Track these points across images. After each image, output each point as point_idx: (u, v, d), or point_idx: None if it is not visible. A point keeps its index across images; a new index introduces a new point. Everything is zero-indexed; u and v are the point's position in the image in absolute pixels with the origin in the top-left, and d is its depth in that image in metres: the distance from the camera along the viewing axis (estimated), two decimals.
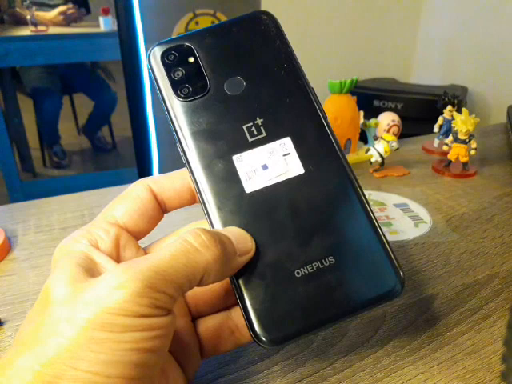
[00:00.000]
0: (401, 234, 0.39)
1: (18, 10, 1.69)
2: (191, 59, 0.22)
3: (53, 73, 1.76)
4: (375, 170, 0.52)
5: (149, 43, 1.13)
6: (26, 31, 1.57)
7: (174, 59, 0.22)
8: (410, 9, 1.71)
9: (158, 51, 0.23)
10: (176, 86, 0.22)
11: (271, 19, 0.23)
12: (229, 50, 0.23)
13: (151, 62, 0.22)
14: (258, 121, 0.21)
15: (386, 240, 0.20)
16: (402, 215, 0.43)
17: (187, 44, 0.23)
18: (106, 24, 1.64)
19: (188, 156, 0.21)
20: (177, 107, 0.22)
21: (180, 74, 0.22)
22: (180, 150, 0.21)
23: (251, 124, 0.21)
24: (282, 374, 0.25)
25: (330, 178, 0.21)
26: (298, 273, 0.19)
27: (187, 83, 0.22)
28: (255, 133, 0.21)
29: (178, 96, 0.22)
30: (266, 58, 0.22)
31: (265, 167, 0.21)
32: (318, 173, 0.21)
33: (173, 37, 0.23)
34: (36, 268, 0.35)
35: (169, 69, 0.22)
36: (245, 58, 0.22)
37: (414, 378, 0.24)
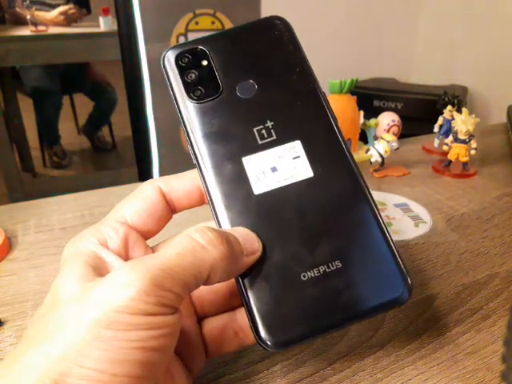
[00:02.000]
0: (401, 234, 0.39)
1: (18, 9, 1.69)
2: (204, 62, 0.23)
3: (53, 73, 1.76)
4: (375, 170, 0.52)
5: (149, 43, 1.13)
6: (26, 31, 1.57)
7: (187, 62, 0.23)
8: (410, 9, 1.71)
9: (171, 54, 0.23)
10: (189, 88, 0.22)
11: (284, 24, 0.23)
12: (241, 54, 0.23)
13: (165, 64, 0.23)
14: (269, 124, 0.21)
15: (395, 245, 0.20)
16: (402, 215, 0.43)
17: (201, 47, 0.23)
18: (105, 24, 1.64)
19: (198, 156, 0.21)
20: (189, 109, 0.22)
21: (193, 76, 0.22)
22: (191, 150, 0.22)
23: (262, 127, 0.21)
24: (282, 373, 0.25)
25: (339, 182, 0.21)
26: (305, 276, 0.19)
27: (200, 85, 0.22)
28: (265, 135, 0.21)
29: (191, 98, 0.22)
30: (278, 63, 0.23)
31: (274, 169, 0.21)
32: (327, 176, 0.21)
33: (177, 42, 0.23)
34: (36, 268, 0.35)
35: (182, 71, 0.22)
36: (257, 61, 0.23)
37: (413, 377, 0.24)
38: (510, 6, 1.40)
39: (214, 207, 0.21)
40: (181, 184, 0.22)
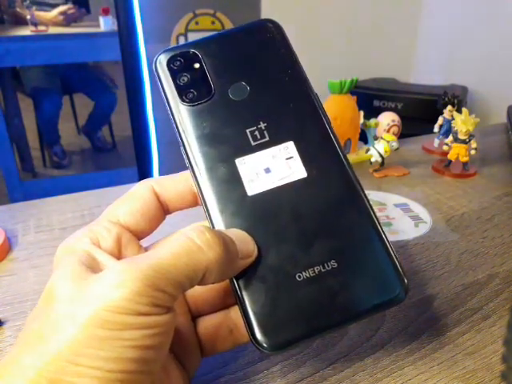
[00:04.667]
0: (401, 234, 0.39)
1: (18, 9, 1.69)
2: (196, 65, 0.23)
3: (53, 73, 1.76)
4: (375, 170, 0.52)
5: (149, 43, 1.13)
6: (26, 31, 1.57)
7: (179, 65, 0.23)
8: (410, 9, 1.71)
9: (164, 57, 0.23)
10: (181, 91, 0.22)
11: (276, 27, 0.23)
12: (234, 57, 0.23)
13: (157, 67, 0.23)
14: (262, 125, 0.21)
15: (390, 245, 0.20)
16: (402, 215, 0.43)
17: (193, 50, 0.23)
18: (106, 24, 1.64)
19: (191, 159, 0.21)
20: (181, 111, 0.22)
21: (185, 79, 0.22)
22: (183, 153, 0.21)
23: (254, 128, 0.21)
24: (281, 374, 0.25)
25: (332, 181, 0.21)
26: (300, 276, 0.19)
27: (192, 88, 0.22)
28: (258, 137, 0.21)
29: (183, 100, 0.22)
30: (270, 65, 0.23)
31: (267, 170, 0.21)
32: (320, 176, 0.21)
33: (177, 42, 0.23)
34: (36, 268, 0.35)
35: (174, 74, 0.23)
36: (249, 64, 0.23)
37: (413, 377, 0.24)
38: (510, 5, 1.40)
39: (207, 209, 0.21)
40: (174, 185, 0.22)
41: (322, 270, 0.19)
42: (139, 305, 0.15)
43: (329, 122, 0.22)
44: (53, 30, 1.62)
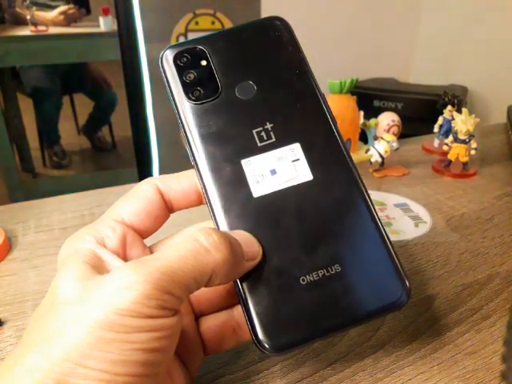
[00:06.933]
0: (401, 234, 0.39)
1: (17, 10, 1.69)
2: (203, 62, 0.22)
3: (53, 73, 1.76)
4: (375, 170, 0.52)
5: (149, 43, 1.13)
6: (26, 31, 1.57)
7: (186, 62, 0.22)
8: (410, 8, 1.71)
9: (170, 53, 0.22)
10: (187, 89, 0.22)
11: (284, 25, 0.23)
12: (241, 55, 0.23)
13: (163, 63, 0.22)
14: (268, 126, 0.21)
15: (394, 249, 0.20)
16: (402, 215, 0.43)
17: (200, 47, 0.23)
18: (106, 24, 1.64)
19: (196, 158, 0.21)
20: (187, 109, 0.22)
21: (192, 76, 0.22)
22: (189, 151, 0.21)
23: (261, 129, 0.21)
24: (281, 373, 0.25)
25: (338, 185, 0.21)
26: (304, 280, 0.19)
27: (199, 86, 0.22)
28: (265, 137, 0.21)
29: (189, 98, 0.22)
30: (277, 64, 0.22)
31: (273, 172, 0.21)
32: (326, 180, 0.21)
33: (183, 40, 0.23)
34: (36, 268, 0.35)
35: (181, 71, 0.22)
36: (257, 62, 0.22)
37: (413, 377, 0.24)
38: (510, 5, 1.40)
39: (212, 209, 0.20)
40: (179, 184, 0.21)
41: (326, 274, 0.19)
42: (148, 308, 0.15)
43: (335, 124, 0.22)
44: (53, 30, 1.62)
